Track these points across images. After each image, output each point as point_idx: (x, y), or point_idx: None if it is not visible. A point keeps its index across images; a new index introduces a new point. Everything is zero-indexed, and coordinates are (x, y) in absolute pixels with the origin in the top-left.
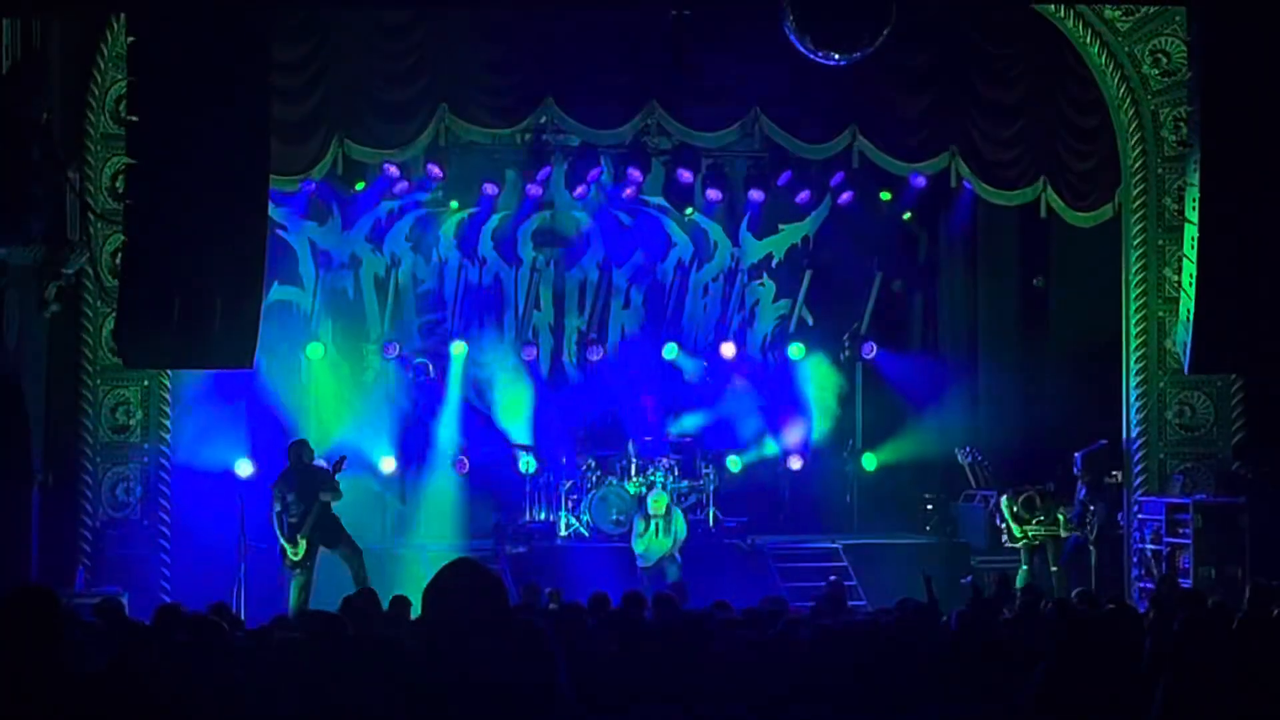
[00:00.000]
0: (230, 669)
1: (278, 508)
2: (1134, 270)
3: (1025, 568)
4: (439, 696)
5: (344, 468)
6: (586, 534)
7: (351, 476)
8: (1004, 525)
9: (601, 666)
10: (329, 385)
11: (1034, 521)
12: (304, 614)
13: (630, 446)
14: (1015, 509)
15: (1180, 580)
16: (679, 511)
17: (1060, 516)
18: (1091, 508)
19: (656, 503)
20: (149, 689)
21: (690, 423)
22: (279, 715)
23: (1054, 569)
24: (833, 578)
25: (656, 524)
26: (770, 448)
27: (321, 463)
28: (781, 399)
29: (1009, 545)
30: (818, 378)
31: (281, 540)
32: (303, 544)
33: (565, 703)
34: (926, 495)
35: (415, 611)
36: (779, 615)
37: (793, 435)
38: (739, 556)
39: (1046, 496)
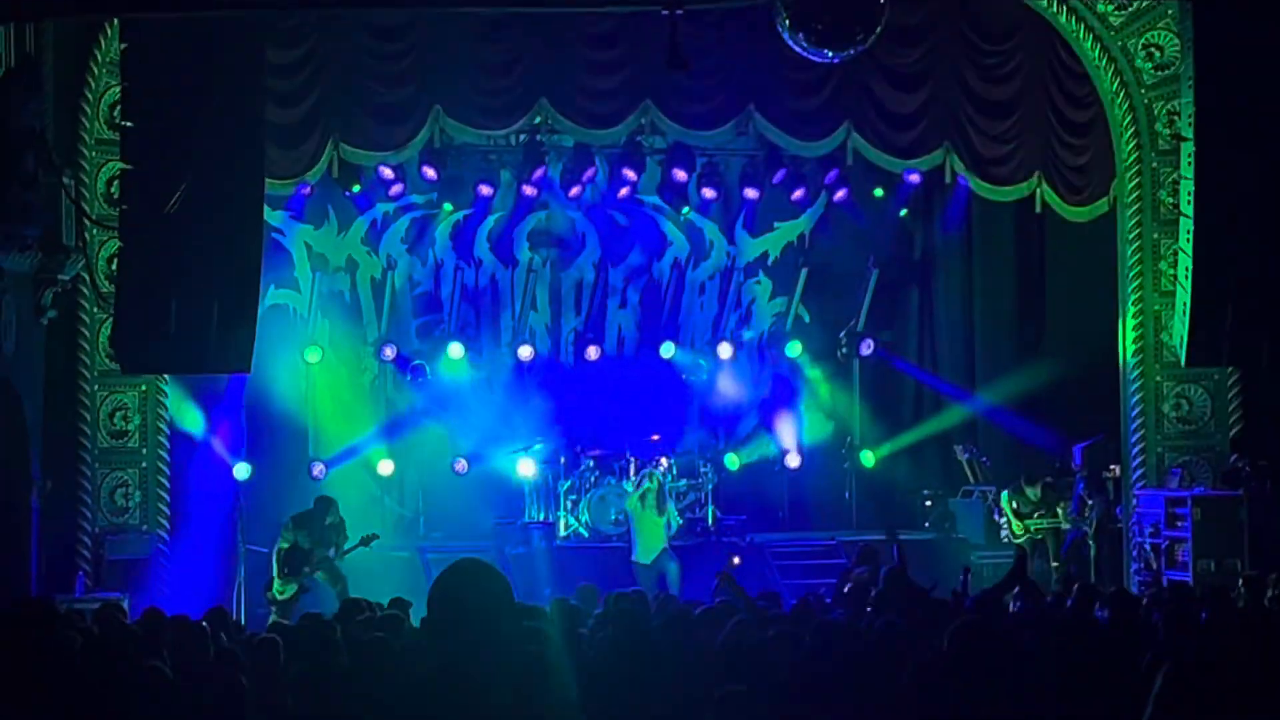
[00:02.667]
0: (222, 673)
1: (284, 545)
2: (1129, 264)
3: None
4: (446, 695)
5: (369, 545)
6: (586, 534)
7: (350, 478)
8: (1004, 521)
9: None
10: (326, 388)
11: (1034, 515)
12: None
13: (628, 446)
14: (1015, 504)
15: (1179, 574)
16: (672, 503)
17: (1060, 510)
18: (1090, 501)
19: (650, 479)
20: (141, 696)
21: (688, 421)
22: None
23: (1054, 564)
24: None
25: (646, 495)
26: (768, 446)
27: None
28: (779, 397)
29: (1008, 541)
30: (815, 375)
31: (274, 574)
32: (291, 589)
33: (570, 706)
34: (925, 492)
35: (414, 614)
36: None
37: (790, 433)
38: (738, 555)
39: (1047, 488)
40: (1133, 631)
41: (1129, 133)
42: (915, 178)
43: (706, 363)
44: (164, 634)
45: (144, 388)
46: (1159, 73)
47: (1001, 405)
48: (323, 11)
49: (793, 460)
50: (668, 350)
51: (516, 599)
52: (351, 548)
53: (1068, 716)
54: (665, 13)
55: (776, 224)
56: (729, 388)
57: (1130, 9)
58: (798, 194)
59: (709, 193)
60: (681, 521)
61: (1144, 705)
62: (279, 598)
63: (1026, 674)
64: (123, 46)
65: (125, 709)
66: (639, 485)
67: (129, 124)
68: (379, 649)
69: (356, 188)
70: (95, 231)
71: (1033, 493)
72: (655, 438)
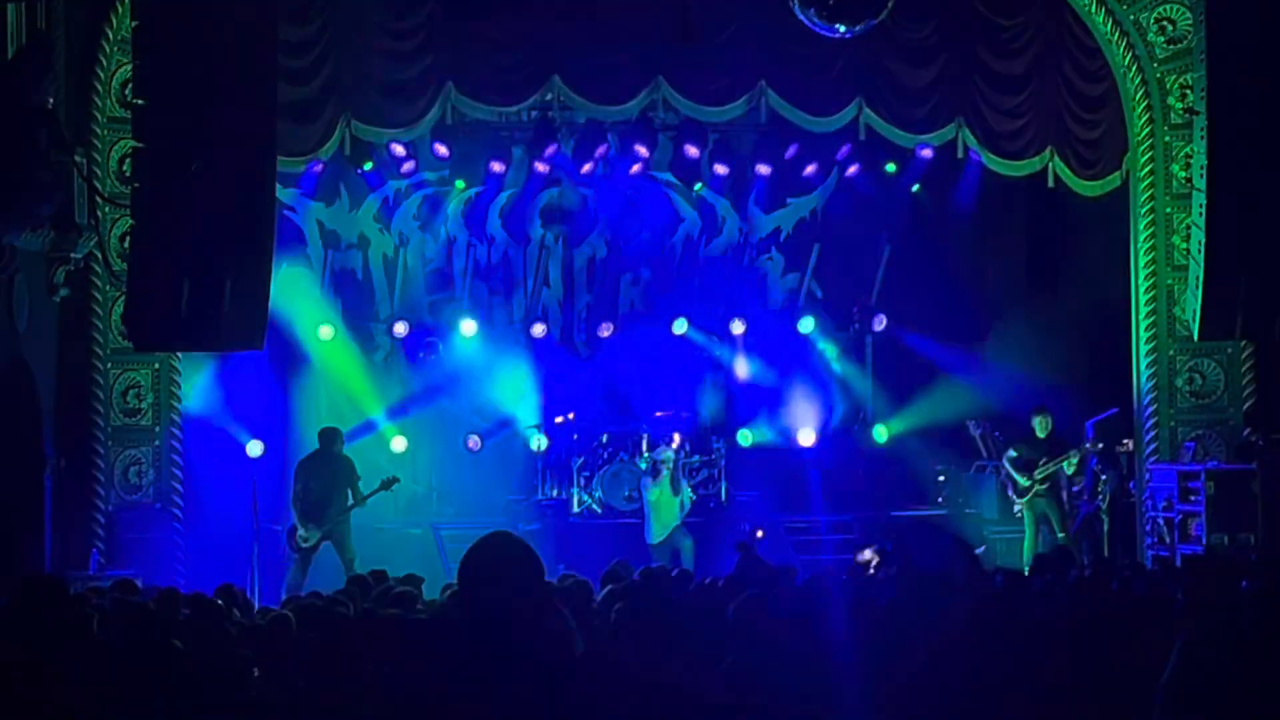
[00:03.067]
0: (231, 650)
1: (297, 489)
2: (1142, 238)
3: (1030, 536)
4: (478, 667)
5: (390, 489)
6: (599, 510)
7: (363, 456)
8: (1010, 483)
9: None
10: (339, 365)
11: (1040, 462)
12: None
13: (642, 423)
14: (1019, 454)
15: (1192, 549)
16: (686, 482)
17: (1073, 457)
18: (1103, 476)
19: (665, 454)
20: (153, 673)
21: (700, 398)
22: (280, 695)
23: (1060, 535)
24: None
25: (666, 474)
26: (781, 422)
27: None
28: (792, 372)
29: (1019, 514)
30: (827, 351)
31: (297, 519)
32: (316, 534)
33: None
34: (938, 467)
35: (427, 590)
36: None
37: (803, 409)
38: (760, 528)
39: (1053, 433)
40: (1151, 604)
41: (1141, 106)
42: (927, 153)
43: (719, 339)
44: (180, 612)
45: (157, 366)
46: (1171, 46)
47: (1014, 380)
48: None
49: (805, 436)
50: (680, 326)
51: None
52: (372, 492)
53: (1085, 687)
54: None
55: (789, 200)
56: (741, 364)
57: None
58: (810, 170)
59: (721, 169)
60: (695, 498)
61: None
62: (303, 545)
63: (1043, 647)
64: (134, 24)
65: (141, 687)
66: (654, 465)
67: (141, 102)
68: (392, 625)
69: (368, 165)
70: (107, 210)
71: (1041, 423)
72: (660, 414)
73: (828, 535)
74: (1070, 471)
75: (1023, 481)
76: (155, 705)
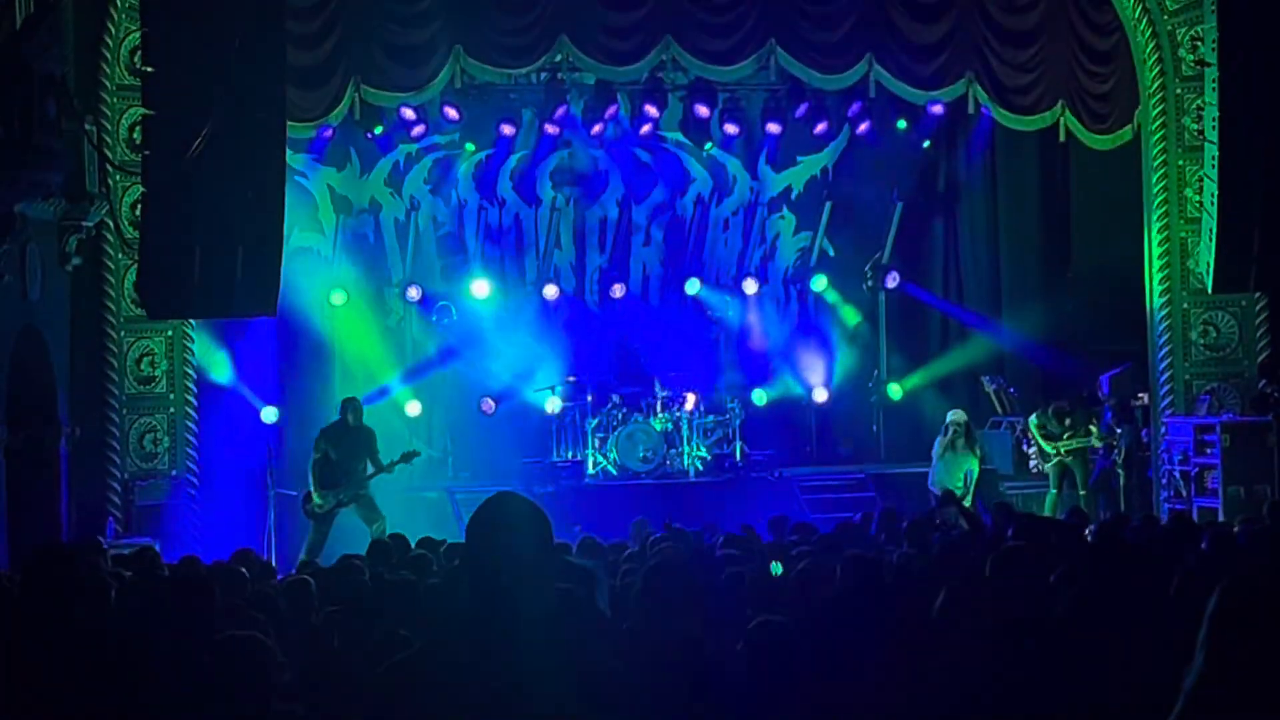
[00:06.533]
0: (251, 616)
1: (316, 456)
2: (1155, 192)
3: (1054, 492)
4: (487, 627)
5: (410, 462)
6: (615, 472)
7: (377, 419)
8: (1033, 449)
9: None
10: (352, 331)
11: (1065, 435)
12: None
13: (655, 383)
14: (1045, 426)
15: (1208, 501)
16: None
17: (1093, 428)
18: (1118, 430)
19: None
20: (166, 639)
21: (714, 357)
22: (294, 660)
23: (1081, 492)
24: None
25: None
26: (795, 380)
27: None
28: (805, 331)
29: (1038, 470)
30: (841, 309)
31: (313, 487)
32: (332, 500)
33: (602, 617)
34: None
35: (443, 554)
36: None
37: (817, 367)
38: (767, 488)
39: (1077, 403)
40: (1163, 556)
41: (1152, 59)
42: (938, 109)
43: (732, 298)
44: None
45: (170, 333)
46: None
47: (1028, 335)
48: None
49: (820, 394)
50: (693, 287)
51: None
52: (393, 464)
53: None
54: None
55: (799, 158)
56: (755, 323)
57: None
58: (820, 128)
59: (731, 128)
60: (709, 457)
61: (1186, 626)
62: (318, 511)
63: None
64: None
65: (161, 655)
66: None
67: (150, 69)
68: (406, 589)
69: (378, 129)
70: (118, 178)
71: (1063, 419)
72: (675, 373)
73: (843, 493)
74: (1096, 444)
75: (1048, 449)
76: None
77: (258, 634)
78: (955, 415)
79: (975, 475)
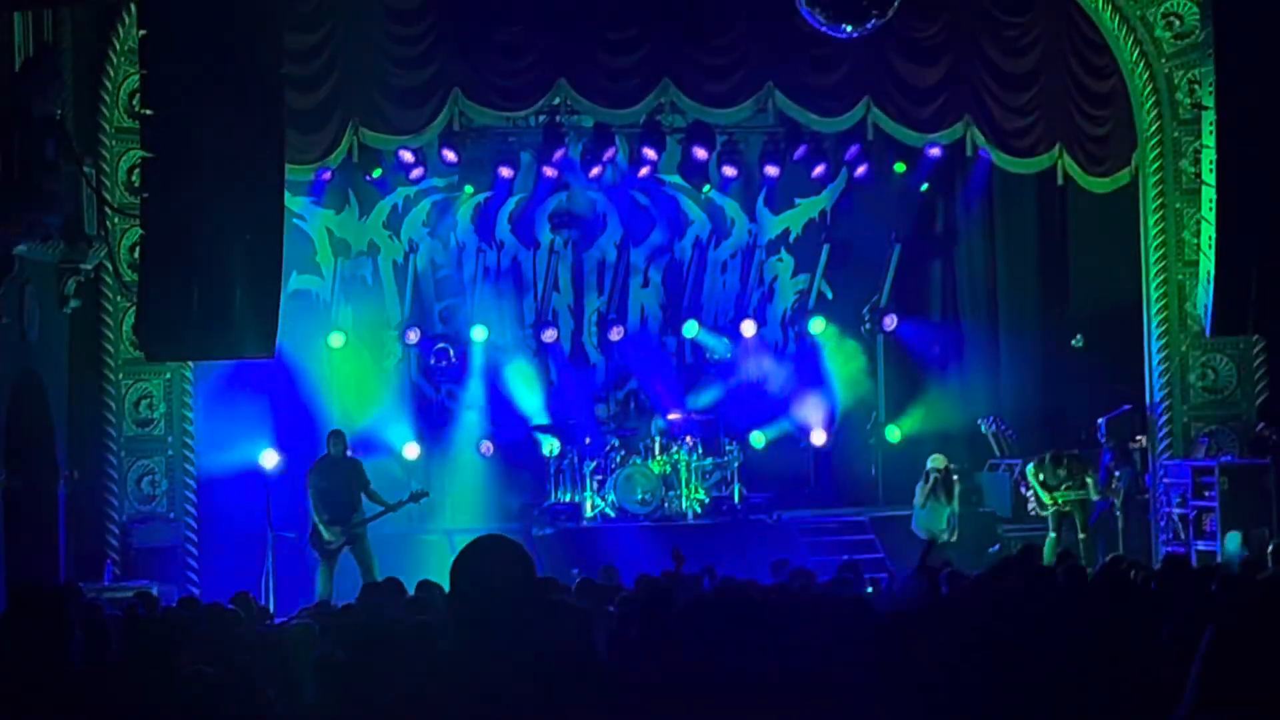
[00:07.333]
0: (248, 659)
1: (313, 494)
2: (1153, 234)
3: (1053, 535)
4: (470, 670)
5: (419, 502)
6: (612, 514)
7: (375, 461)
8: (1031, 494)
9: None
10: (351, 373)
11: (1062, 487)
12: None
13: (654, 425)
14: (1042, 476)
15: (1207, 545)
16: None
17: (1089, 480)
18: (1117, 473)
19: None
20: (165, 681)
21: (712, 400)
22: (297, 704)
23: (1081, 536)
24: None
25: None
26: (793, 423)
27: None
28: (803, 374)
29: (1036, 514)
30: (839, 351)
31: (319, 523)
32: (341, 536)
33: (599, 667)
34: (951, 466)
35: (442, 596)
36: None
37: (816, 410)
38: (765, 531)
39: (1073, 459)
40: (1160, 599)
41: (1150, 102)
42: (936, 151)
43: (730, 341)
44: (200, 623)
45: (168, 375)
46: (1178, 41)
47: (1026, 378)
48: None
49: (818, 437)
50: (691, 329)
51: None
52: (400, 504)
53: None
54: None
55: (798, 200)
56: (753, 366)
57: None
58: (818, 170)
59: (729, 171)
60: (708, 500)
61: (1176, 670)
62: (329, 548)
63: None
64: (141, 34)
65: (158, 698)
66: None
67: (149, 112)
68: (402, 631)
69: (377, 172)
70: (117, 220)
71: (1059, 471)
72: (672, 417)
73: (842, 536)
74: (1094, 498)
75: (1044, 498)
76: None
77: (222, 674)
78: (935, 461)
79: (956, 521)
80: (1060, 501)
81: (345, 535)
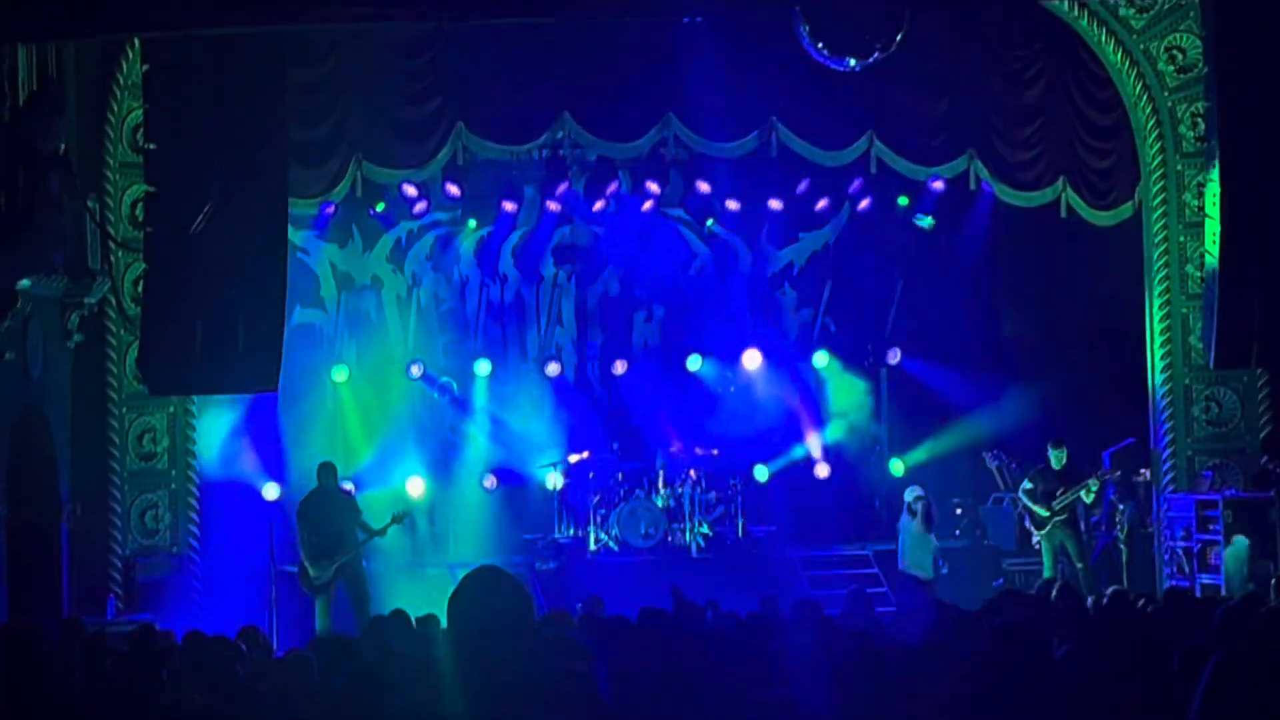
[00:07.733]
0: (251, 693)
1: (303, 530)
2: (1156, 267)
3: (1048, 568)
4: (468, 702)
5: (402, 523)
6: (616, 548)
7: (379, 497)
8: (1028, 514)
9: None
10: (354, 407)
11: (1059, 493)
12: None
13: (657, 459)
14: (1036, 485)
15: (1211, 578)
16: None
17: (1091, 486)
18: (1121, 506)
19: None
20: (164, 714)
21: (716, 433)
22: None
23: (1079, 565)
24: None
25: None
26: (797, 456)
27: (349, 486)
28: (807, 408)
29: (1038, 546)
30: (843, 385)
31: (305, 560)
32: (329, 570)
33: (601, 704)
34: (955, 500)
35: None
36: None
37: (819, 444)
38: (769, 565)
39: (1063, 460)
40: (1163, 630)
41: (1153, 136)
42: (939, 185)
43: (733, 375)
44: (203, 655)
45: (172, 409)
46: (1181, 75)
47: (1030, 411)
48: (342, 28)
49: (821, 470)
50: (694, 363)
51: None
52: (384, 527)
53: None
54: (686, 20)
55: (801, 234)
56: (756, 399)
57: (1151, 12)
58: (821, 204)
59: (732, 204)
60: (711, 534)
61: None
62: (316, 583)
63: (1063, 676)
64: (144, 68)
65: None
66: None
67: (152, 146)
68: (405, 664)
69: (380, 206)
70: (120, 254)
71: (1057, 456)
72: (675, 448)
73: (845, 569)
74: (1089, 501)
75: (1041, 513)
76: None
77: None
78: (913, 492)
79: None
80: (1057, 509)
81: (335, 568)
